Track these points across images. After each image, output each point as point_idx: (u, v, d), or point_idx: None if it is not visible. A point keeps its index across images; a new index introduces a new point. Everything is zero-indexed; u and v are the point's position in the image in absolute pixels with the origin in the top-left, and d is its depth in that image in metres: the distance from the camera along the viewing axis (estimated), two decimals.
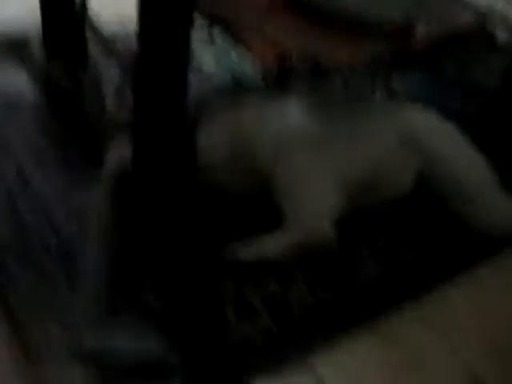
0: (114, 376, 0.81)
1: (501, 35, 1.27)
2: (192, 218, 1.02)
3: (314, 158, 1.06)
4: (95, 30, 1.07)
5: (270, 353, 0.92)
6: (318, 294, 1.00)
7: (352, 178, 1.06)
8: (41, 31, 1.32)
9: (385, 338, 0.97)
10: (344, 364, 0.92)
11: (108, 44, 1.03)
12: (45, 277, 0.94)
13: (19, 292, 0.91)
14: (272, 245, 1.03)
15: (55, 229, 1.02)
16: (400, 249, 1.12)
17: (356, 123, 1.11)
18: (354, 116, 1.13)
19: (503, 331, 1.02)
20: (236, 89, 1.30)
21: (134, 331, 0.84)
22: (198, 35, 1.20)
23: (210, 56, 1.22)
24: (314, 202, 1.05)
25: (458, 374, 0.95)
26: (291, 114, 1.12)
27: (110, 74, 1.25)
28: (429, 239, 1.14)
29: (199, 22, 1.11)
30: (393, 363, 0.94)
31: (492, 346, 0.99)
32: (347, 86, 1.54)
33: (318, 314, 0.98)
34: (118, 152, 0.98)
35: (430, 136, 1.14)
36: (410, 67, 1.47)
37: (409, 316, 1.01)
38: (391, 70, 1.59)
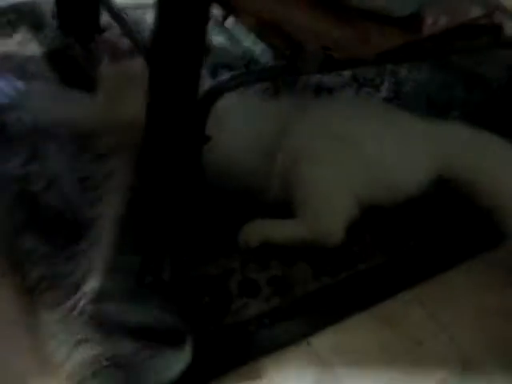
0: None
1: (509, 29, 1.27)
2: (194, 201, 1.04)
3: (335, 166, 1.06)
4: (109, 4, 1.08)
5: (271, 328, 0.93)
6: (321, 279, 1.02)
7: (369, 193, 1.08)
8: (54, 4, 1.32)
9: (384, 321, 0.98)
10: (343, 344, 0.94)
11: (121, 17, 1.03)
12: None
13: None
14: (279, 231, 1.05)
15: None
16: (403, 236, 1.13)
17: (386, 139, 1.09)
18: (385, 130, 1.10)
19: (502, 318, 1.04)
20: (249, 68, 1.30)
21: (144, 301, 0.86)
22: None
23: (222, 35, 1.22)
24: (329, 207, 1.06)
25: (455, 356, 0.96)
26: (318, 118, 1.11)
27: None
28: (432, 227, 1.15)
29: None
30: (392, 345, 0.96)
31: (490, 332, 1.01)
32: (356, 78, 1.55)
33: (320, 297, 1.00)
34: None
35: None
36: (417, 58, 1.47)
37: (409, 299, 1.03)
38: (399, 62, 1.60)
